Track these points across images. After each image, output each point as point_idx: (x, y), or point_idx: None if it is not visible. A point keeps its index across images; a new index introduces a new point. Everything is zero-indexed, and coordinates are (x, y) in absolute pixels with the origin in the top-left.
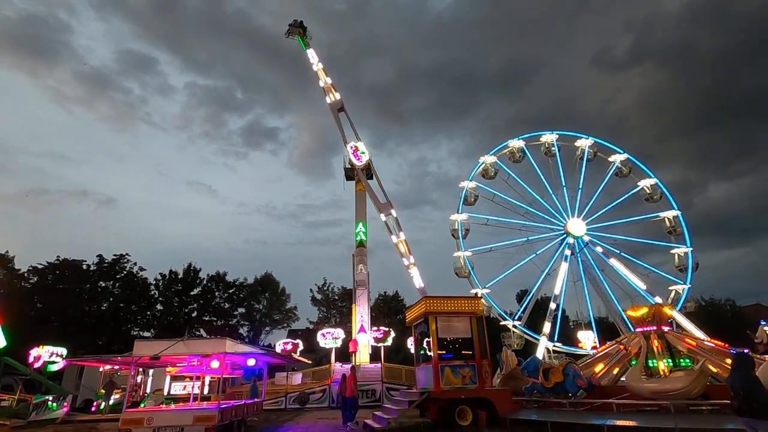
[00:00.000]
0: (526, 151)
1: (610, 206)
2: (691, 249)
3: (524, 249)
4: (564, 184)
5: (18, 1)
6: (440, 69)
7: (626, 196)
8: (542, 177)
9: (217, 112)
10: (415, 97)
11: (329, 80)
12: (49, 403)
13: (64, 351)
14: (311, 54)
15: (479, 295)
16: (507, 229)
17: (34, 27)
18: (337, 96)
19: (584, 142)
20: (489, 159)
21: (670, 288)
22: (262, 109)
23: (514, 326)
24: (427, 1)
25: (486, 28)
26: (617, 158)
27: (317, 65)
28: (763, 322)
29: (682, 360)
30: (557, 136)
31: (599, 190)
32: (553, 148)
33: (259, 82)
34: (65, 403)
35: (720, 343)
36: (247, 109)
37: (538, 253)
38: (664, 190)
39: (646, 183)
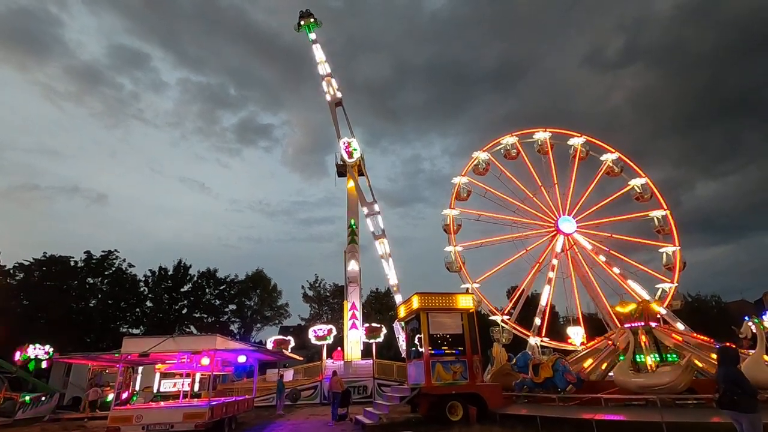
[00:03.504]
0: (520, 148)
1: (600, 204)
2: (678, 248)
3: (515, 245)
4: (556, 181)
5: None
6: (435, 67)
7: (617, 195)
8: (534, 174)
9: (210, 108)
10: (410, 94)
11: (330, 73)
12: (27, 399)
13: (50, 349)
14: (317, 45)
15: (469, 290)
16: (498, 225)
17: (24, 21)
18: (337, 90)
19: (577, 141)
20: (482, 155)
21: (657, 286)
22: (256, 106)
23: (503, 320)
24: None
25: (480, 27)
26: (608, 157)
27: (321, 57)
28: (747, 318)
29: (668, 355)
30: (550, 134)
31: (590, 189)
32: (545, 146)
33: (253, 78)
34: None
35: (705, 338)
36: (240, 105)
37: (528, 248)
38: (655, 189)
39: (636, 182)
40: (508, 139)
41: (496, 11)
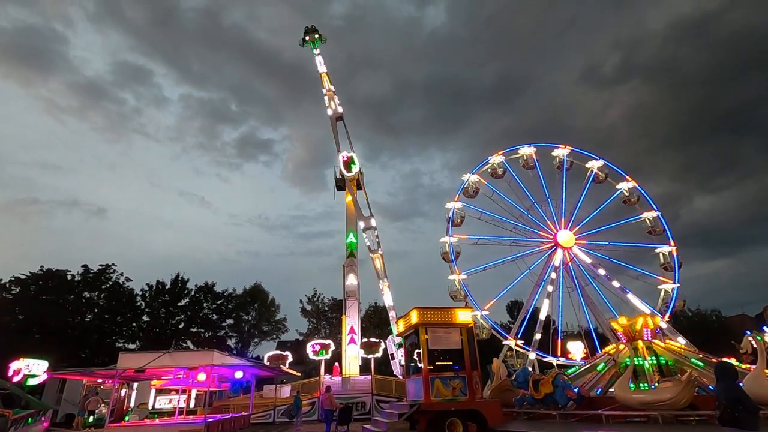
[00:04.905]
0: (507, 166)
1: (594, 213)
2: (674, 247)
3: (516, 264)
4: (548, 195)
5: (14, 12)
6: (434, 83)
7: (608, 201)
8: (526, 191)
9: (212, 123)
10: (409, 110)
11: (332, 88)
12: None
13: (45, 364)
14: (320, 61)
15: (479, 317)
16: (498, 245)
17: (30, 38)
18: (338, 105)
19: (561, 152)
20: (472, 178)
21: (660, 287)
22: (257, 121)
23: (482, 316)
24: (422, 18)
25: (479, 45)
26: (594, 164)
27: (324, 72)
28: (747, 332)
29: (670, 366)
30: (535, 148)
31: (582, 199)
32: (530, 161)
33: (254, 94)
34: (43, 418)
35: (704, 353)
36: (241, 121)
37: (531, 268)
38: (642, 192)
39: (624, 186)
40: (496, 158)
41: (494, 30)
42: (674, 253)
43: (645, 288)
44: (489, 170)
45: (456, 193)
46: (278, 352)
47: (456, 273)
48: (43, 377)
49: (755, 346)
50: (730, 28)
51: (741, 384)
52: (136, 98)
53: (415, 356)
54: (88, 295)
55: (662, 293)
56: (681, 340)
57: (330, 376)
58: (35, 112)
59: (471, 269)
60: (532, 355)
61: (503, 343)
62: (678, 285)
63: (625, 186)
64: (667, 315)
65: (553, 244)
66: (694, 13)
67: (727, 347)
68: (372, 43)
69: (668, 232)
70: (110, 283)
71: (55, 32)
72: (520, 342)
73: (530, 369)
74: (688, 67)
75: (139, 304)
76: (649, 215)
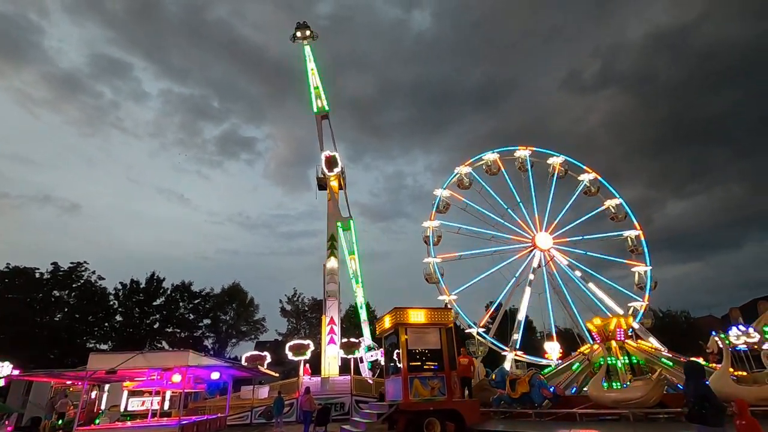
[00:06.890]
0: (475, 175)
1: (564, 210)
2: (640, 231)
3: (501, 271)
4: (518, 199)
5: None
6: (419, 86)
7: (592, 213)
8: (496, 197)
9: (192, 120)
10: (394, 112)
11: (320, 85)
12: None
13: (8, 365)
14: (309, 56)
15: (476, 335)
16: (480, 258)
17: (2, 26)
18: (325, 103)
19: (523, 153)
20: (444, 193)
21: (633, 270)
22: (239, 119)
23: (478, 333)
24: (409, 21)
25: (464, 49)
26: (555, 161)
27: (313, 68)
28: (714, 333)
29: (641, 364)
30: (498, 154)
31: (550, 197)
32: (495, 166)
33: (237, 91)
34: (7, 422)
35: (674, 353)
36: (223, 118)
37: (516, 275)
38: (629, 211)
39: (585, 178)
40: (463, 169)
41: (480, 36)
42: (641, 237)
43: (624, 284)
44: (457, 182)
45: (431, 211)
46: (256, 352)
47: (446, 293)
48: (2, 380)
49: (721, 346)
50: (703, 41)
51: (708, 382)
52: (114, 92)
53: (395, 356)
54: (57, 294)
55: (636, 276)
56: (652, 341)
57: (309, 377)
58: (7, 103)
59: (459, 288)
60: (509, 355)
61: (466, 331)
62: (650, 267)
63: (586, 177)
64: (646, 297)
65: (532, 247)
66: (671, 24)
67: (695, 347)
68: (358, 44)
69: (632, 216)
70: (81, 281)
71: (30, 22)
72: (481, 330)
73: (507, 368)
74: (664, 77)
75: (112, 303)
76: (612, 203)
